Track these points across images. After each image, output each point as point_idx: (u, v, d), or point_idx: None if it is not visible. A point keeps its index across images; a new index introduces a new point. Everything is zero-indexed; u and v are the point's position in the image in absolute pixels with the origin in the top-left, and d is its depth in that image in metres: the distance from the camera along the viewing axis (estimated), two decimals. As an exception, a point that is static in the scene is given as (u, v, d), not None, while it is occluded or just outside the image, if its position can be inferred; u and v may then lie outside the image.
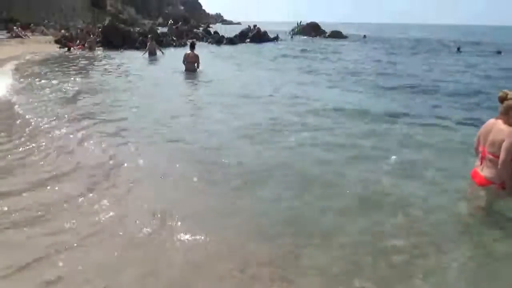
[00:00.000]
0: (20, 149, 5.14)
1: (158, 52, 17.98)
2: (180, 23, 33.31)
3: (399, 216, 3.45)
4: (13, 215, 3.39)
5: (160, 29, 31.17)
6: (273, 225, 3.32)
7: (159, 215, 3.37)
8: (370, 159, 4.86)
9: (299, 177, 4.30)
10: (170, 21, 32.13)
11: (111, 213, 3.44)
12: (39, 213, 3.45)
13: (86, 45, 20.71)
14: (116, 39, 21.84)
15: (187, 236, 3.06)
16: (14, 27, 25.54)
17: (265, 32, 33.23)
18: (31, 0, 37.00)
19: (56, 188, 3.97)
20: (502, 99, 3.53)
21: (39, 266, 2.71)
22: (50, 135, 5.69)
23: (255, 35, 31.81)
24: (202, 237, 3.06)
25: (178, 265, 2.77)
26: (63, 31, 27.52)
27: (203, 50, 19.41)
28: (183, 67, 12.18)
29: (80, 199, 3.71)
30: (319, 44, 30.08)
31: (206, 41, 29.29)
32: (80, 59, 16.73)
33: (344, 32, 42.92)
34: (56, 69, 13.25)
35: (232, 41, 29.21)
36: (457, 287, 2.64)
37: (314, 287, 2.60)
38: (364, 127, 6.32)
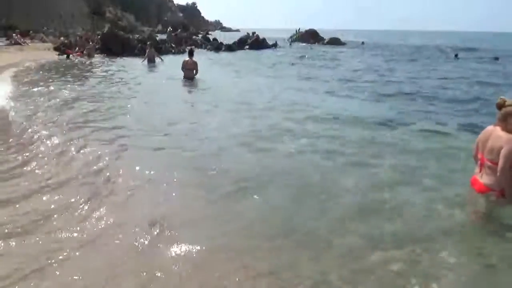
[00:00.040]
0: (18, 157, 5.12)
1: (157, 59, 18.05)
2: (179, 30, 33.51)
3: (398, 224, 3.44)
4: (10, 224, 3.37)
5: (159, 36, 31.33)
6: (271, 233, 3.29)
7: (157, 223, 3.35)
8: (369, 166, 4.84)
9: (298, 185, 4.28)
10: (169, 28, 32.33)
11: (110, 221, 3.43)
12: (37, 221, 3.44)
13: (85, 52, 20.79)
14: (115, 46, 21.93)
15: (185, 244, 3.04)
16: (13, 34, 25.66)
17: (264, 39, 33.42)
18: (31, 7, 37.17)
19: (54, 196, 3.95)
20: (500, 106, 3.54)
21: (37, 275, 2.68)
22: (47, 143, 5.67)
23: (254, 42, 31.99)
24: (200, 246, 3.04)
25: (175, 274, 2.75)
26: (62, 38, 27.65)
27: (202, 57, 19.49)
28: (181, 74, 12.20)
29: (79, 207, 3.70)
30: (318, 51, 30.21)
31: (205, 48, 29.43)
32: (78, 66, 16.78)
33: (343, 39, 43.17)
34: (55, 76, 13.28)
35: (230, 48, 29.34)
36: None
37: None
38: (362, 134, 6.31)
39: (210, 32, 52.81)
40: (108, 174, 4.49)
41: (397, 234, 3.28)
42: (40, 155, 5.21)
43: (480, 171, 3.70)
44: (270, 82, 12.96)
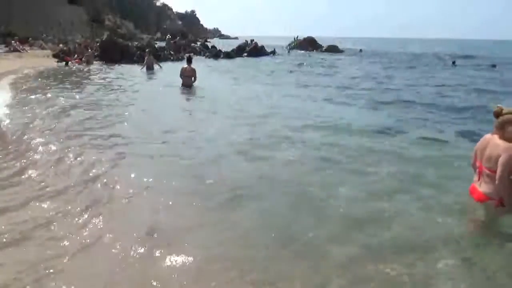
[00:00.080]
0: (16, 164, 5.09)
1: (156, 66, 18.07)
2: (178, 37, 33.61)
3: (396, 233, 3.41)
4: (9, 232, 3.34)
5: (158, 44, 31.44)
6: (269, 242, 3.27)
7: (154, 232, 3.34)
8: (367, 174, 4.83)
9: (295, 193, 4.26)
10: (168, 36, 32.47)
11: (107, 229, 3.41)
12: (35, 229, 3.41)
13: (84, 59, 20.82)
14: (114, 53, 21.97)
15: (182, 254, 3.02)
16: (12, 41, 25.70)
17: (262, 47, 33.56)
18: (30, 15, 37.33)
19: (52, 204, 3.92)
20: (497, 114, 3.55)
21: (35, 285, 2.66)
22: (45, 150, 5.64)
23: (252, 50, 32.09)
24: (197, 255, 3.02)
25: (172, 283, 2.72)
26: (61, 45, 27.70)
27: (200, 64, 19.55)
28: (180, 81, 12.22)
29: (76, 215, 3.67)
30: (316, 59, 30.34)
31: (204, 55, 29.52)
32: (77, 73, 16.78)
33: (341, 47, 43.40)
34: (53, 83, 13.27)
35: (229, 55, 29.43)
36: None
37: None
38: (360, 141, 6.31)
39: (209, 40, 53.11)
40: (105, 181, 4.47)
41: (396, 243, 3.26)
42: (38, 163, 5.17)
43: (479, 179, 3.70)
44: (268, 89, 12.98)
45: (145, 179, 4.51)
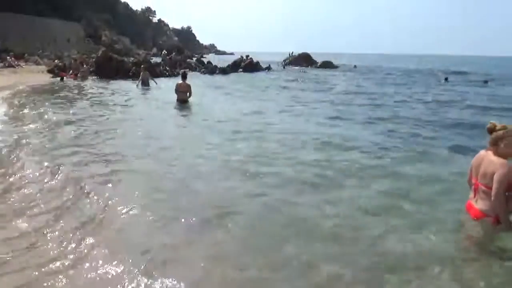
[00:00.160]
0: (4, 182, 5.00)
1: (152, 83, 18.05)
2: (173, 53, 33.80)
3: (389, 250, 3.34)
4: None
5: (154, 59, 31.59)
6: (258, 262, 3.17)
7: (146, 251, 3.25)
8: (359, 190, 4.77)
9: (283, 211, 4.16)
10: (164, 51, 32.67)
11: (97, 247, 3.34)
12: (25, 248, 3.35)
13: (79, 74, 20.84)
14: (109, 69, 22.03)
15: (168, 277, 2.91)
16: (8, 57, 25.76)
17: (257, 62, 33.87)
18: (26, 31, 37.55)
19: (42, 222, 3.85)
20: (491, 130, 3.54)
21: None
22: (36, 167, 5.55)
23: (248, 65, 32.37)
24: (185, 277, 2.93)
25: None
26: (56, 61, 27.77)
27: (195, 80, 19.60)
28: (175, 97, 12.22)
29: (67, 234, 3.60)
30: (310, 74, 30.60)
31: (199, 71, 29.67)
32: (71, 88, 16.72)
33: (335, 62, 43.88)
34: (47, 98, 13.21)
35: (224, 71, 29.64)
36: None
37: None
38: (352, 158, 6.24)
39: (204, 55, 53.44)
40: (96, 198, 4.39)
41: (389, 261, 3.19)
42: (27, 180, 5.09)
43: (475, 196, 3.67)
44: (262, 105, 13.01)
45: (137, 196, 4.43)
